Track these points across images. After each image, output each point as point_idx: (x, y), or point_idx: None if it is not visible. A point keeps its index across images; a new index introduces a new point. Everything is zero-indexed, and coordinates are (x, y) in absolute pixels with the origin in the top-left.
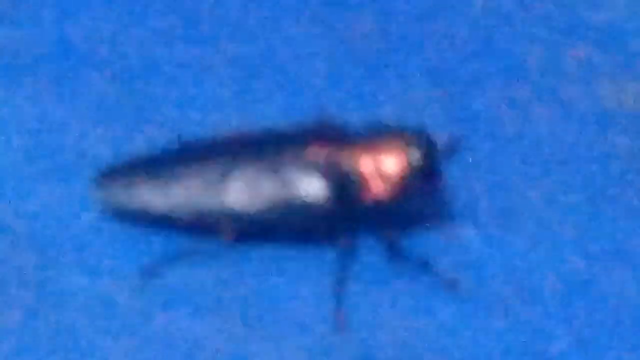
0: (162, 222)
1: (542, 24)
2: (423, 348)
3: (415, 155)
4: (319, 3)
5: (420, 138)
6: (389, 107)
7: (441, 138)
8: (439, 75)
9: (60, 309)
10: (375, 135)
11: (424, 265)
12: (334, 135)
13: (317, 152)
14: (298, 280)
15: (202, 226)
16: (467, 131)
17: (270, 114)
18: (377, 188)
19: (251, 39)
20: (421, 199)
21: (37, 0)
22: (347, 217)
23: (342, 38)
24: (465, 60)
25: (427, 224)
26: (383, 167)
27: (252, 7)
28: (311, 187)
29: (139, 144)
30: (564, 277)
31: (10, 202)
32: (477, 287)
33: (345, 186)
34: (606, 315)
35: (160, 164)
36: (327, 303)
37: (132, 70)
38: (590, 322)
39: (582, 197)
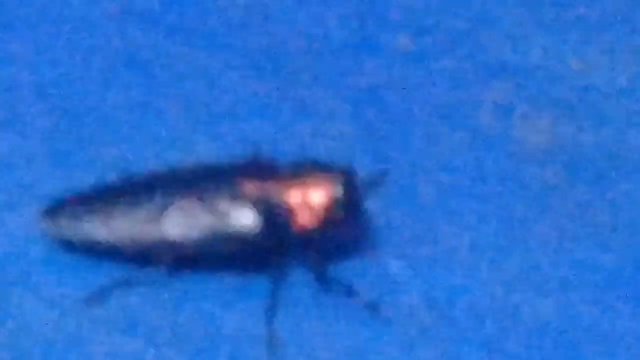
0: (106, 253)
1: (465, 63)
2: None
3: (339, 189)
4: (251, 41)
5: (343, 173)
6: (314, 142)
7: (363, 172)
8: (362, 111)
9: (14, 336)
10: (302, 170)
11: (348, 291)
12: (264, 170)
13: (249, 186)
14: (232, 306)
15: (143, 256)
16: (388, 164)
17: (203, 149)
18: (304, 219)
19: (183, 78)
20: (345, 229)
21: None
22: (277, 246)
23: (270, 74)
24: (387, 97)
25: (351, 252)
26: (309, 200)
27: (184, 44)
28: (243, 218)
29: (83, 180)
30: (479, 302)
31: None
32: (396, 311)
33: (274, 217)
34: (520, 339)
35: (103, 198)
36: (260, 328)
37: (75, 110)
38: (505, 346)
39: (498, 227)
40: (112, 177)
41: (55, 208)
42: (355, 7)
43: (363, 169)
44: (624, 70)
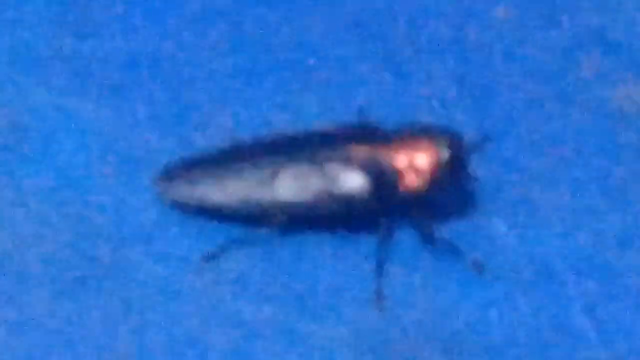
0: (219, 215)
1: (565, 32)
2: (453, 326)
3: (445, 152)
4: (354, 11)
5: (449, 136)
6: (419, 108)
7: (468, 136)
8: (464, 78)
9: (131, 293)
10: (409, 133)
11: (454, 250)
12: (372, 135)
13: (358, 150)
14: (342, 266)
15: (255, 218)
16: (490, 130)
17: (312, 114)
18: (411, 181)
19: (291, 48)
20: (450, 191)
21: (104, 17)
22: (385, 208)
23: (375, 44)
24: (488, 64)
25: (455, 214)
26: (416, 162)
27: (291, 15)
28: (352, 181)
29: (196, 145)
30: (580, 262)
31: (84, 196)
32: (500, 270)
33: (382, 180)
34: (621, 299)
35: (217, 162)
36: (368, 284)
37: (186, 78)
38: (607, 305)
39: (596, 190)
40: (224, 142)
41: (170, 173)
42: None
43: (467, 134)
44: None
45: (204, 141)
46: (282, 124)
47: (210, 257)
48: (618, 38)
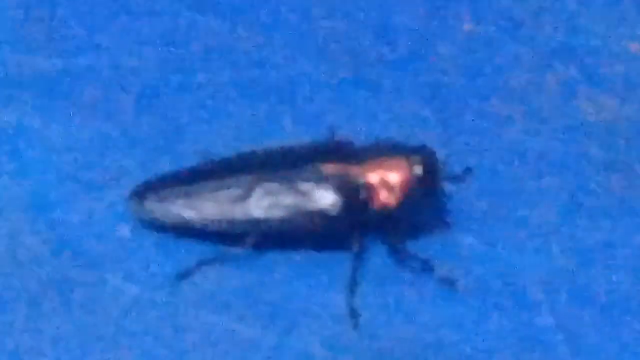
0: (193, 232)
1: (529, 46)
2: (426, 340)
3: (417, 169)
4: (325, 28)
5: (420, 154)
6: (390, 124)
7: (439, 153)
8: (434, 94)
9: (103, 310)
10: (381, 151)
11: (426, 266)
12: (343, 152)
13: (330, 168)
14: (315, 282)
15: (228, 234)
16: (459, 145)
17: (283, 132)
18: (383, 197)
19: (260, 65)
20: (421, 207)
21: (70, 34)
22: (357, 224)
23: (346, 61)
24: (456, 80)
25: (428, 230)
26: (388, 179)
27: (261, 33)
28: (325, 198)
29: (170, 163)
30: (550, 275)
31: (55, 213)
32: (470, 284)
33: (355, 197)
34: (592, 311)
35: (189, 180)
36: (341, 301)
37: (157, 95)
38: (579, 316)
39: (566, 202)
40: (196, 159)
41: (142, 190)
42: None
43: (437, 151)
44: None
45: (176, 159)
46: (254, 141)
47: (184, 275)
48: (581, 53)
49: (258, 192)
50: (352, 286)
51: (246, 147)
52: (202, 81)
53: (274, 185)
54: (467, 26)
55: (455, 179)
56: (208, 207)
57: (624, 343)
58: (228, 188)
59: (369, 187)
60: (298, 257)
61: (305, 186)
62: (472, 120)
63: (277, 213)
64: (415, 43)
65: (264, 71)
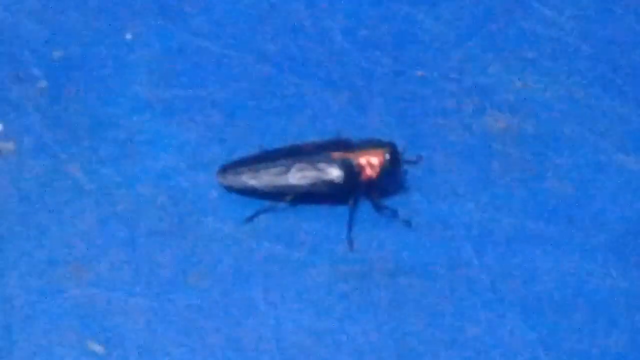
0: (255, 193)
1: (453, 85)
2: (390, 258)
3: (388, 156)
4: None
5: (389, 147)
6: (371, 129)
7: (400, 146)
8: (401, 110)
9: (196, 251)
10: (366, 144)
11: (392, 212)
12: (345, 145)
13: (337, 155)
14: (327, 221)
15: (276, 195)
16: (412, 141)
17: (308, 134)
18: (368, 173)
19: (287, 98)
20: (390, 179)
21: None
22: (352, 189)
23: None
24: (416, 102)
25: (393, 191)
26: (371, 162)
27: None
28: (334, 173)
29: (241, 152)
30: (478, 223)
31: (179, 186)
32: (419, 221)
33: (351, 173)
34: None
35: (254, 162)
36: (342, 234)
37: (245, 118)
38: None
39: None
40: (257, 149)
41: (226, 167)
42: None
43: (399, 144)
44: (556, 90)
45: (245, 149)
46: (291, 139)
47: (250, 218)
48: (487, 86)
49: (293, 169)
50: (349, 225)
51: (286, 143)
52: (270, 107)
53: (303, 165)
54: (419, 73)
55: (409, 161)
56: (264, 178)
57: None
58: (275, 167)
59: (360, 166)
60: (317, 208)
61: (321, 165)
62: (425, 128)
63: (304, 182)
64: (384, 82)
65: (290, 101)
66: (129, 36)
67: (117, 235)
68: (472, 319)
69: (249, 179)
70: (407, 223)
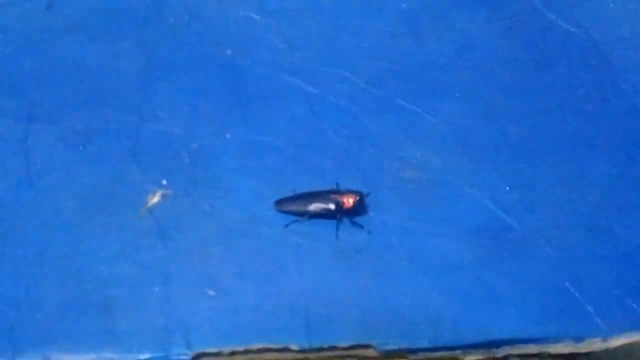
0: (296, 214)
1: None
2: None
3: (357, 197)
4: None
5: (358, 192)
6: (346, 181)
7: (364, 191)
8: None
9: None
10: (346, 192)
11: (361, 228)
12: (338, 192)
13: (333, 196)
14: (326, 225)
15: (302, 214)
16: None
17: (317, 184)
18: (347, 205)
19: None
20: (358, 209)
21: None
22: (339, 213)
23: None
24: (374, 164)
25: (362, 215)
26: (349, 200)
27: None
28: (331, 205)
29: (285, 193)
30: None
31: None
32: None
33: (339, 204)
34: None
35: (292, 199)
36: (332, 241)
37: (287, 175)
38: None
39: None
40: (293, 193)
41: (279, 200)
42: None
43: (363, 191)
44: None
45: (286, 192)
46: (305, 188)
47: (287, 225)
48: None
49: (312, 203)
50: (337, 228)
51: (305, 190)
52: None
53: (317, 200)
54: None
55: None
56: (297, 206)
57: None
58: (302, 202)
59: (343, 202)
60: (321, 221)
61: (325, 201)
62: (378, 181)
63: (317, 209)
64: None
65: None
66: None
67: None
68: None
69: (289, 206)
70: (366, 229)
